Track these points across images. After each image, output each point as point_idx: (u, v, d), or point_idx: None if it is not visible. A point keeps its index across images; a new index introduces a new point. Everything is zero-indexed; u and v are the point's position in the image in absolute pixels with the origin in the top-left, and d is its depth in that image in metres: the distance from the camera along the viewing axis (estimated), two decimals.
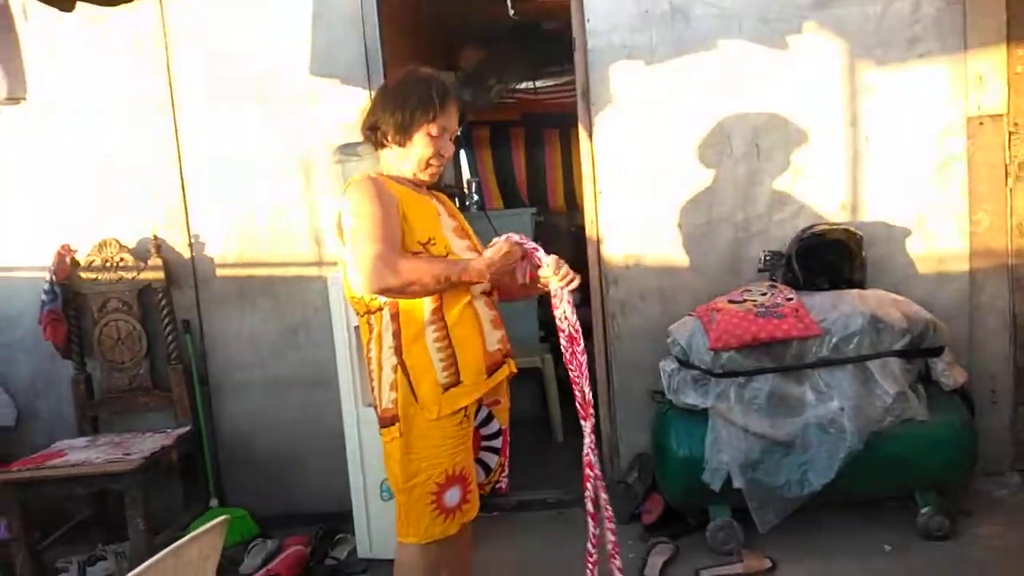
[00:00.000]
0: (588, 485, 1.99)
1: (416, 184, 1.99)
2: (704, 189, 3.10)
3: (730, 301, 2.79)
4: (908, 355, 2.69)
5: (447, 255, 1.91)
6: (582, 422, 1.97)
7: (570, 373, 1.96)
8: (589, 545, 2.00)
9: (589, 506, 1.99)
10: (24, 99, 2.25)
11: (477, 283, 1.91)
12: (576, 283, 1.93)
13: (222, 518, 1.25)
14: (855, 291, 2.79)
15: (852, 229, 2.92)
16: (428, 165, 1.96)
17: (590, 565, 2.01)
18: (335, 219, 1.93)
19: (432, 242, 1.90)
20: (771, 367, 2.65)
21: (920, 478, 2.68)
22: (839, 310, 2.68)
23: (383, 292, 1.84)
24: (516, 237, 1.94)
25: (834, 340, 2.64)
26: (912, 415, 2.61)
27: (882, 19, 2.97)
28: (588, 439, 1.98)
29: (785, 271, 2.93)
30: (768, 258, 2.99)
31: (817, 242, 2.89)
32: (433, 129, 1.92)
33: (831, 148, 3.05)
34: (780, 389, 2.63)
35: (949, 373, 2.71)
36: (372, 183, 1.89)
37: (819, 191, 3.07)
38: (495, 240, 1.94)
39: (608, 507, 1.99)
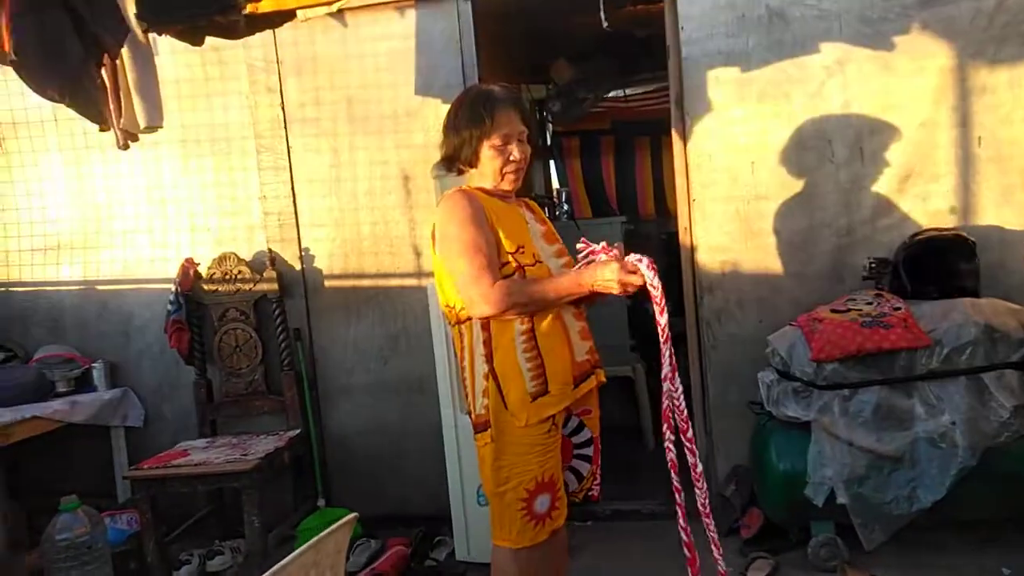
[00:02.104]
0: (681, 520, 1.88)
1: (503, 195, 2.05)
2: (804, 194, 3.04)
3: (833, 311, 2.72)
4: None
5: (535, 263, 1.95)
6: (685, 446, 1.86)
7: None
8: None
9: (684, 536, 1.88)
10: (161, 127, 2.46)
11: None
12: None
13: (351, 516, 1.34)
14: (967, 299, 2.67)
15: (963, 234, 2.79)
16: (503, 175, 2.00)
17: None
18: (431, 230, 2.02)
19: (521, 251, 1.94)
20: (878, 379, 2.57)
21: None
22: (950, 319, 2.58)
23: (482, 318, 1.92)
24: (630, 265, 1.83)
25: (945, 351, 2.53)
26: None
27: (995, 14, 2.84)
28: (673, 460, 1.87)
29: (892, 279, 2.83)
30: (874, 265, 2.89)
31: (926, 248, 2.78)
32: (495, 140, 1.95)
33: (940, 151, 2.93)
34: (887, 402, 2.55)
35: None
36: (464, 196, 1.95)
37: (927, 195, 2.95)
38: (603, 257, 1.88)
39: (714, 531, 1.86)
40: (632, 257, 1.83)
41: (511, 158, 1.98)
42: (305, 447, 3.36)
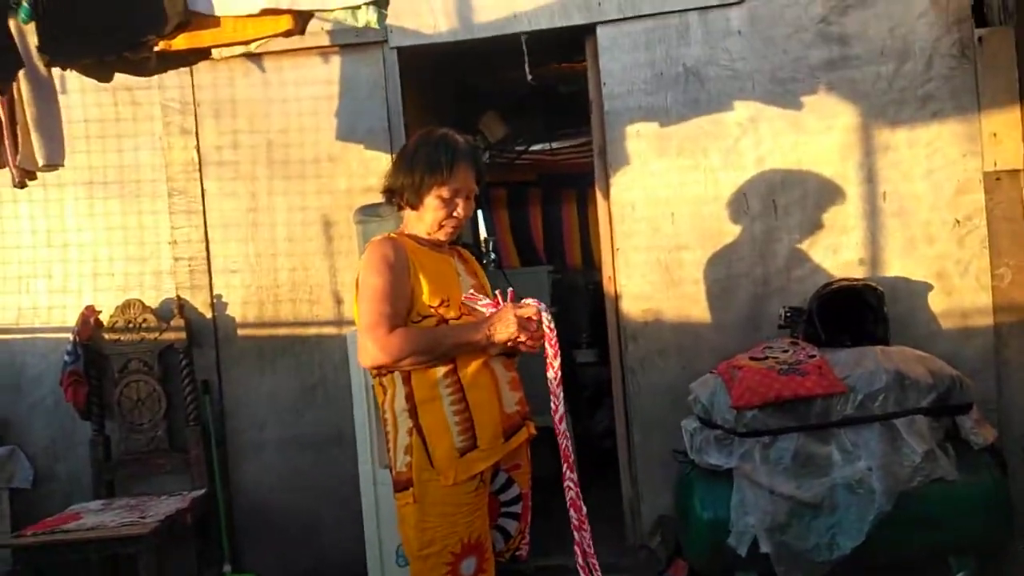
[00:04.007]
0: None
1: (436, 243, 2.00)
2: (722, 246, 3.11)
3: (752, 358, 2.76)
4: (935, 412, 2.63)
5: (459, 316, 1.89)
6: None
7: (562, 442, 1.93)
8: None
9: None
10: (62, 165, 2.32)
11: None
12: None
13: None
14: (878, 347, 2.75)
15: (873, 284, 2.90)
16: (441, 226, 1.95)
17: None
18: (356, 278, 1.95)
19: (446, 303, 1.88)
20: (796, 426, 2.59)
21: (952, 540, 2.59)
22: (863, 367, 2.64)
23: (375, 368, 1.86)
24: (522, 316, 1.85)
25: (859, 398, 2.59)
26: (941, 475, 2.54)
27: (894, 79, 3.01)
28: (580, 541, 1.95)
29: (806, 327, 2.90)
30: (788, 314, 2.96)
31: (837, 298, 2.86)
32: (444, 191, 1.91)
33: (848, 205, 3.06)
34: (806, 449, 2.57)
35: (978, 431, 2.64)
36: (388, 245, 1.89)
37: (838, 247, 3.07)
38: (501, 310, 1.87)
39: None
40: (529, 300, 1.89)
41: (455, 213, 1.94)
42: (211, 508, 3.15)
